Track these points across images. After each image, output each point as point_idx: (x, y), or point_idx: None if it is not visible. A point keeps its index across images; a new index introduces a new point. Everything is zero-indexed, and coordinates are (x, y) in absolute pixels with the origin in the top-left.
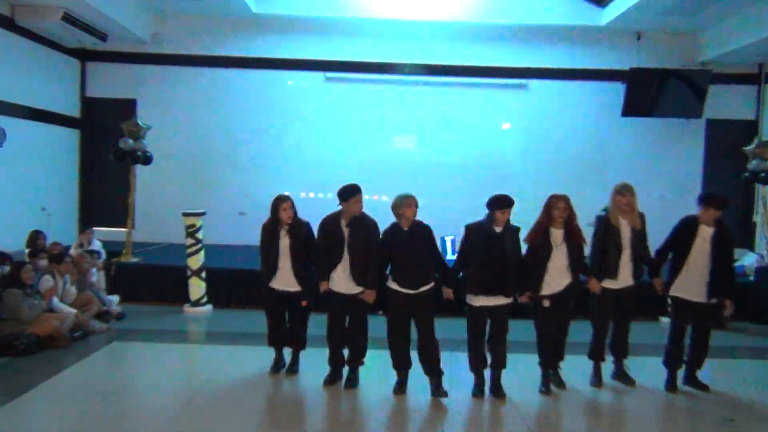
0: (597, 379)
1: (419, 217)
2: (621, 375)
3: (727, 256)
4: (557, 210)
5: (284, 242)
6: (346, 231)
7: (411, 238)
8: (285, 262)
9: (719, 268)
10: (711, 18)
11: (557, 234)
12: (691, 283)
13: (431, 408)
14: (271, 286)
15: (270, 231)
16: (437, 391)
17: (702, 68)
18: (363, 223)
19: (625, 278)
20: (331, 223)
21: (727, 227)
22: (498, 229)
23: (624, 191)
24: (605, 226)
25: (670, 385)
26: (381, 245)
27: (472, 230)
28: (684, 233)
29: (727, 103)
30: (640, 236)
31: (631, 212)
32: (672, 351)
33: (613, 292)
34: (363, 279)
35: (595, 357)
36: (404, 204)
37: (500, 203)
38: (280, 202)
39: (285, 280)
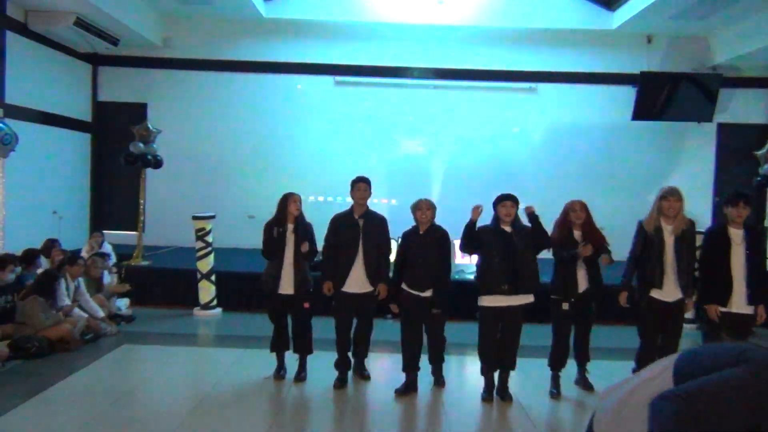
0: None
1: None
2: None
3: (762, 258)
4: (574, 213)
5: (290, 242)
6: (360, 222)
7: (424, 241)
8: (288, 263)
9: (757, 273)
10: (722, 22)
11: (577, 235)
12: (733, 293)
13: (439, 411)
14: (273, 291)
15: (275, 230)
16: (437, 378)
17: (713, 72)
18: (374, 216)
19: (672, 291)
20: (343, 217)
21: (755, 227)
22: (507, 229)
23: (668, 195)
24: (641, 233)
25: None
26: (399, 246)
27: (482, 231)
28: (719, 241)
29: (739, 107)
30: (685, 246)
31: (674, 218)
32: None
33: (659, 304)
34: (376, 273)
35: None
36: (416, 207)
37: (499, 198)
38: (290, 195)
39: (287, 283)
